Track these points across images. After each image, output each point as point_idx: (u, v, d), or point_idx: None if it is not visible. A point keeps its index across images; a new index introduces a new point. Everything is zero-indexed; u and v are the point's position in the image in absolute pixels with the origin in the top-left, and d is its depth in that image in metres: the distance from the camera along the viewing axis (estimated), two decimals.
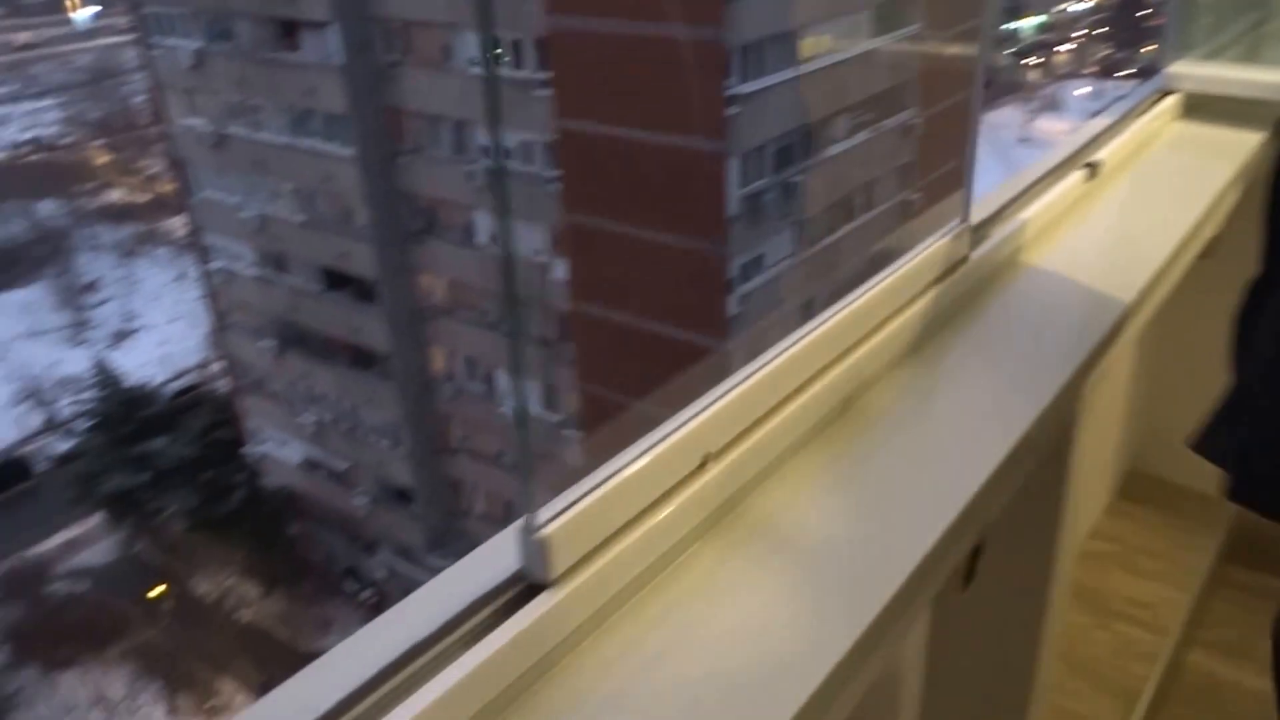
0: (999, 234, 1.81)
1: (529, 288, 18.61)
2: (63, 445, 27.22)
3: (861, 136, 17.37)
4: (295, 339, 25.29)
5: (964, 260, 1.70)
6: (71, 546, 24.68)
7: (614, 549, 1.18)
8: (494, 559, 1.12)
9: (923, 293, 1.60)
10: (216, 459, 26.12)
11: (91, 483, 25.19)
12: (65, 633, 22.40)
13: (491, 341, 20.32)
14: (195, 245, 27.85)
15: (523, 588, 1.11)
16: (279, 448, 26.70)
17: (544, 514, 1.12)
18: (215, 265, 26.63)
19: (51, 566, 23.99)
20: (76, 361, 30.13)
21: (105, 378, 26.78)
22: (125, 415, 26.23)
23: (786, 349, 1.38)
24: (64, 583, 23.90)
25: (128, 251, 36.24)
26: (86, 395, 26.88)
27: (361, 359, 23.81)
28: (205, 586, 24.38)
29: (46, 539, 24.52)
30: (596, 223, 16.98)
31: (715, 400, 1.30)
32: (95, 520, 25.30)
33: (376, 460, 24.52)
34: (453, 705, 0.99)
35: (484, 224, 18.94)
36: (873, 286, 1.54)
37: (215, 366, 29.81)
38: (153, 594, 23.65)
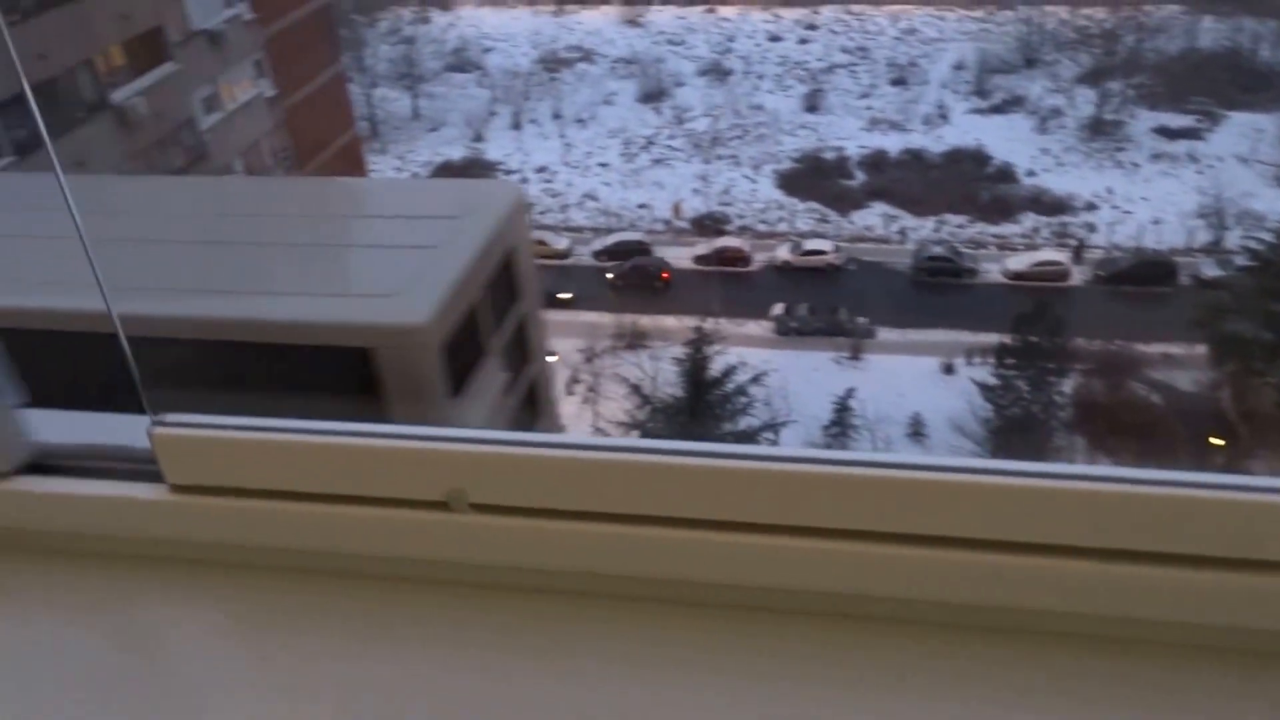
0: None
1: None
2: (1211, 270, 27.56)
3: None
4: None
5: None
6: (1167, 360, 25.54)
7: (258, 506, 1.15)
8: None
9: None
10: None
11: (1216, 315, 25.31)
12: (1120, 426, 23.89)
13: None
14: None
15: (153, 468, 1.17)
16: None
17: (172, 416, 1.17)
18: None
19: (1143, 366, 25.34)
20: (1268, 201, 29.49)
21: None
22: None
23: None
24: (1144, 385, 25.17)
25: None
26: (1259, 236, 26.41)
27: None
28: (1263, 467, 23.37)
29: (1151, 343, 25.73)
30: None
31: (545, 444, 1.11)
32: (1198, 349, 25.60)
33: None
34: None
35: None
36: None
37: None
38: (1213, 441, 23.57)
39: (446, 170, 34.63)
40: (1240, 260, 26.77)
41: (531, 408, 8.18)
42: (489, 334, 7.28)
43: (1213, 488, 0.98)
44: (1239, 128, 33.17)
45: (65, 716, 1.07)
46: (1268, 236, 26.19)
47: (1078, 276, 28.72)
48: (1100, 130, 34.01)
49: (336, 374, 6.35)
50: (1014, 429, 24.25)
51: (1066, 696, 1.00)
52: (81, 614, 1.18)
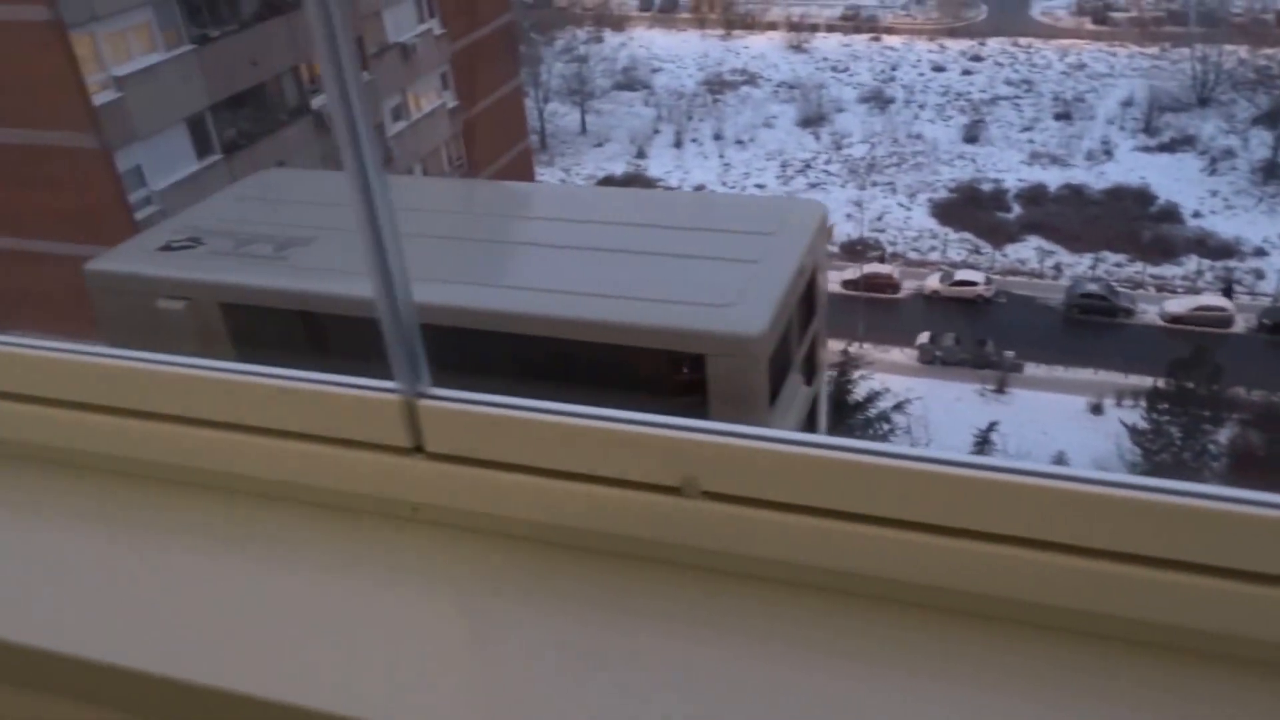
0: None
1: None
2: None
3: None
4: None
5: None
6: None
7: (504, 478, 1.22)
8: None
9: None
10: None
11: None
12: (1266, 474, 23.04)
13: None
14: None
15: (413, 434, 1.27)
16: None
17: (433, 390, 1.25)
18: None
19: None
20: None
21: None
22: None
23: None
24: None
25: None
26: None
27: None
28: None
29: None
30: None
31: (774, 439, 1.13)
32: None
33: None
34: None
35: None
36: None
37: None
38: None
39: (608, 184, 35.90)
40: None
41: (813, 419, 8.51)
42: (794, 348, 7.60)
43: None
44: None
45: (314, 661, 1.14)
46: None
47: (1241, 323, 27.87)
48: (1275, 174, 32.78)
49: (664, 375, 6.78)
50: (1162, 475, 23.66)
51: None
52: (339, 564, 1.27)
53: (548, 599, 1.18)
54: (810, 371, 8.25)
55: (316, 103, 22.38)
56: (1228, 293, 28.51)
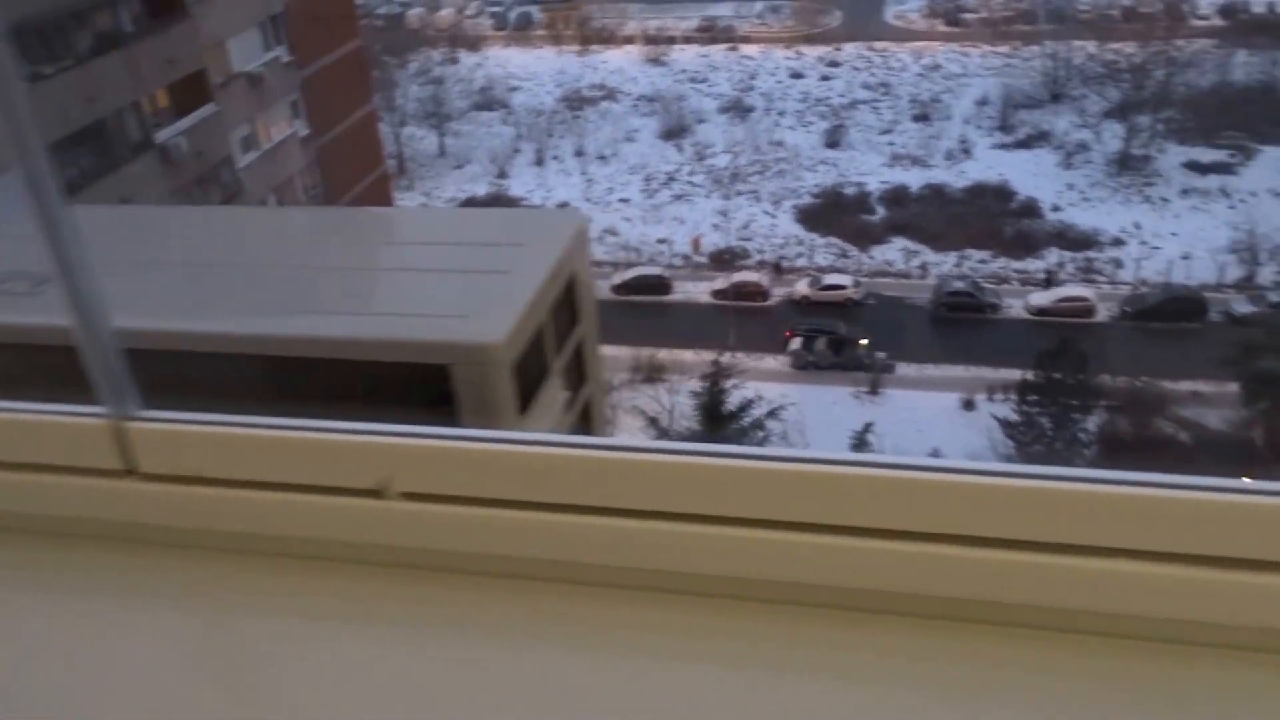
0: None
1: None
2: (1243, 308, 26.87)
3: None
4: None
5: None
6: (1196, 398, 24.85)
7: (214, 493, 1.23)
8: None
9: None
10: None
11: (1248, 353, 24.60)
12: (1147, 466, 23.11)
13: None
14: None
15: (124, 456, 1.25)
16: None
17: (144, 413, 1.23)
18: None
19: (1171, 404, 24.70)
20: None
21: None
22: None
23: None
24: (1172, 424, 24.46)
25: None
26: None
27: None
28: None
29: (1180, 380, 25.09)
30: None
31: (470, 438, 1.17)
32: (1230, 388, 24.88)
33: None
34: None
35: None
36: None
37: None
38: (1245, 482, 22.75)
39: (470, 205, 35.00)
40: (1274, 297, 26.09)
41: (586, 425, 8.78)
42: (552, 355, 7.73)
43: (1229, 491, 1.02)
44: (1274, 162, 32.52)
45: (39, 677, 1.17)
46: None
47: (1104, 312, 28.15)
48: (1128, 165, 33.52)
49: (415, 389, 6.85)
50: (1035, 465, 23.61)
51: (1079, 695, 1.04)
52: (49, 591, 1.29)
53: (256, 606, 1.22)
54: (577, 378, 8.44)
55: (161, 136, 21.78)
56: (1049, 283, 28.78)
